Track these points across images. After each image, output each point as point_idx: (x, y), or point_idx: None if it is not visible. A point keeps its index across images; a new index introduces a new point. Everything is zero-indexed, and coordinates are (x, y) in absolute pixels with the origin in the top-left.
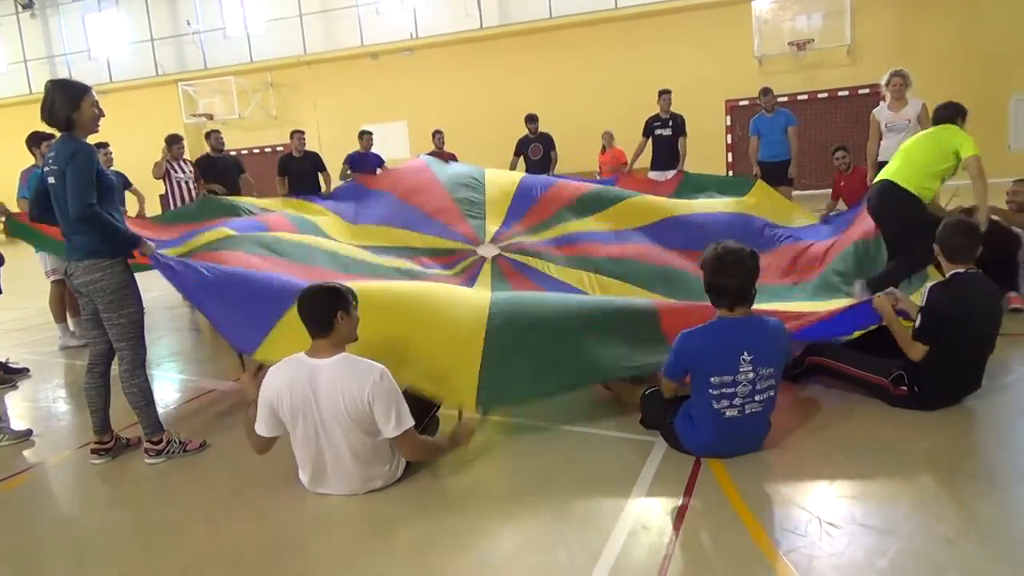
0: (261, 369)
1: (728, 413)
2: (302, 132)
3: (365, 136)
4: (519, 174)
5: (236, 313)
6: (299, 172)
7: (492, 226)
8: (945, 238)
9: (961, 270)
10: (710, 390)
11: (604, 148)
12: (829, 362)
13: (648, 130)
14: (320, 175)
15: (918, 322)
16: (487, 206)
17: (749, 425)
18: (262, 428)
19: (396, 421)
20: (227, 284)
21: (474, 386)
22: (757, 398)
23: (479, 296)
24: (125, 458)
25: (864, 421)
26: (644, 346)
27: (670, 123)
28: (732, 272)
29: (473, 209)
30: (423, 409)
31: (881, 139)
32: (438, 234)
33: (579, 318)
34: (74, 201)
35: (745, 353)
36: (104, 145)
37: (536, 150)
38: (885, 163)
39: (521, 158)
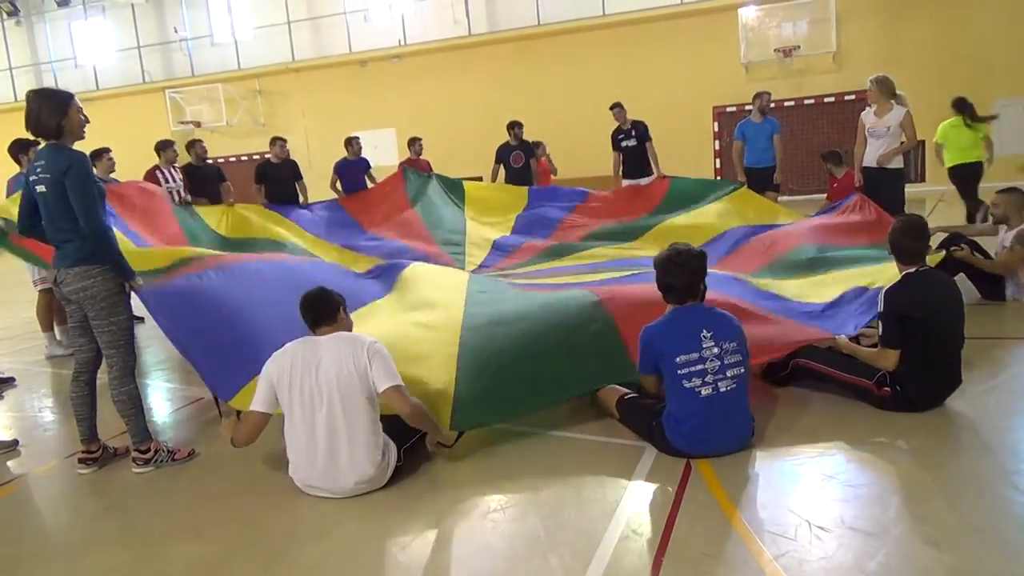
0: (239, 415)
1: (703, 392)
2: (284, 140)
3: (353, 142)
4: (497, 233)
5: (218, 359)
6: (276, 179)
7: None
8: (894, 241)
9: (912, 269)
10: (678, 371)
11: (536, 158)
12: (814, 365)
13: (616, 144)
14: (297, 184)
15: (880, 329)
16: (467, 249)
17: (727, 405)
18: (258, 404)
19: (391, 374)
20: (211, 331)
21: (449, 408)
22: (728, 373)
23: (452, 315)
24: (113, 467)
25: (850, 424)
26: (608, 361)
27: (633, 133)
28: (680, 272)
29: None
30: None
31: (867, 143)
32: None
33: (546, 332)
34: (84, 216)
35: (704, 330)
36: (107, 150)
37: (517, 158)
38: (869, 167)
39: (501, 166)
